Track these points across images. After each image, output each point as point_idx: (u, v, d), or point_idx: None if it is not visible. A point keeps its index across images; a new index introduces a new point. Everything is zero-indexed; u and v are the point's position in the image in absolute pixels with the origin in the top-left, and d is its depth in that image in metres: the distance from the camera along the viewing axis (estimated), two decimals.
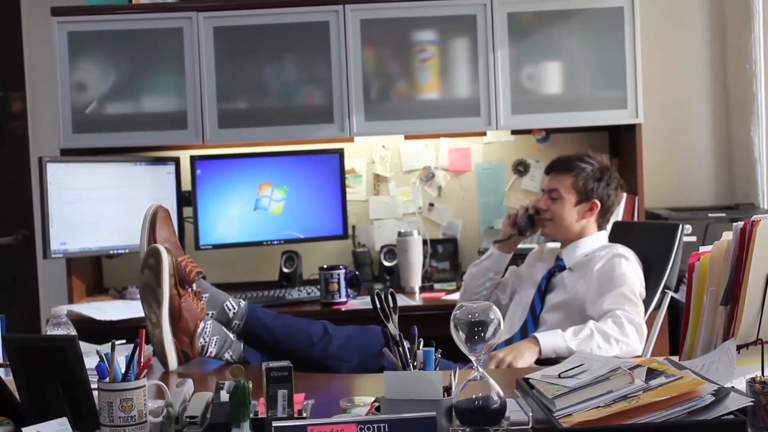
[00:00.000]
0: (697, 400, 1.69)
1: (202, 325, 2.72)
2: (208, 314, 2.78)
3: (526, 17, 4.03)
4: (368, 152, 4.41)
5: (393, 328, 2.05)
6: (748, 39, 4.12)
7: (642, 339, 2.89)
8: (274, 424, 1.70)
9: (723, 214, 3.95)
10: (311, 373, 2.63)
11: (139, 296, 3.87)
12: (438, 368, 1.97)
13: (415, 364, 1.99)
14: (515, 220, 3.37)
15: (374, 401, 2.01)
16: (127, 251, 4.02)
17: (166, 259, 2.68)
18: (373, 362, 2.70)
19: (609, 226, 3.41)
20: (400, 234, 4.20)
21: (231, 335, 2.80)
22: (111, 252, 4.03)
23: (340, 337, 2.81)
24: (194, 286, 2.76)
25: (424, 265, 4.23)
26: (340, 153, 4.22)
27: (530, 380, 1.97)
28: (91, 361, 1.95)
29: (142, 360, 1.96)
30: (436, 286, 4.20)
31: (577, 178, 3.24)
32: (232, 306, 2.83)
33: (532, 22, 4.04)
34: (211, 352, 2.74)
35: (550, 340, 2.81)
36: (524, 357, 2.77)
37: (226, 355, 2.76)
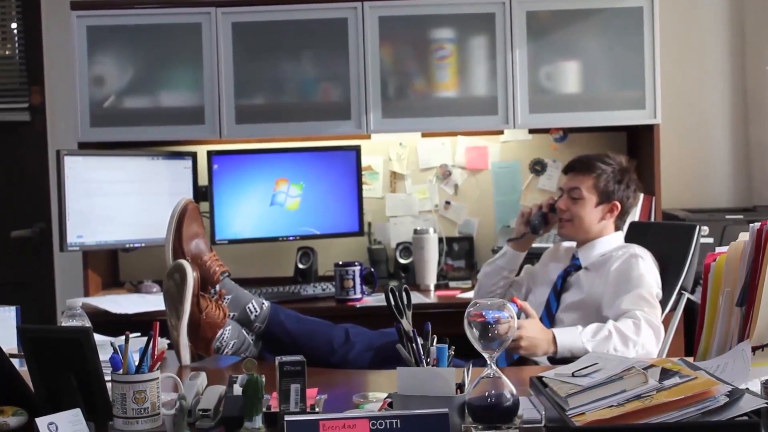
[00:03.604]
0: (711, 400, 1.68)
1: (220, 331, 2.73)
2: (229, 315, 2.78)
3: (544, 16, 4.02)
4: (385, 149, 4.41)
5: (407, 324, 2.05)
6: None
7: (659, 342, 2.86)
8: (287, 418, 1.70)
9: (740, 216, 3.91)
10: (324, 368, 2.63)
11: (154, 290, 3.93)
12: (451, 366, 1.97)
13: (428, 360, 1.99)
14: (528, 218, 3.36)
15: (387, 397, 2.02)
16: (143, 245, 4.03)
17: (190, 278, 2.68)
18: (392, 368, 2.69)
19: (625, 227, 3.40)
20: (416, 231, 4.19)
21: (249, 338, 2.80)
22: (127, 246, 4.04)
23: (360, 343, 2.80)
24: (218, 287, 2.77)
25: (439, 263, 4.22)
26: (357, 150, 4.22)
27: (543, 378, 1.97)
28: (105, 353, 1.96)
29: (155, 353, 1.97)
30: (452, 284, 4.18)
31: (598, 179, 3.21)
32: (255, 308, 2.83)
33: (550, 21, 4.03)
34: (226, 353, 2.76)
35: (568, 340, 2.78)
36: (536, 354, 2.78)
37: (242, 356, 2.77)
